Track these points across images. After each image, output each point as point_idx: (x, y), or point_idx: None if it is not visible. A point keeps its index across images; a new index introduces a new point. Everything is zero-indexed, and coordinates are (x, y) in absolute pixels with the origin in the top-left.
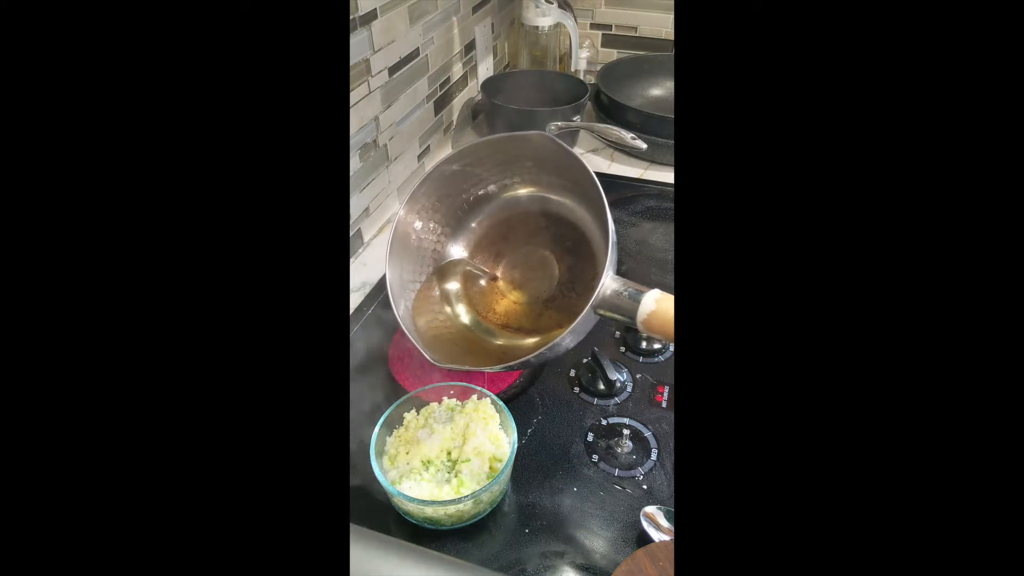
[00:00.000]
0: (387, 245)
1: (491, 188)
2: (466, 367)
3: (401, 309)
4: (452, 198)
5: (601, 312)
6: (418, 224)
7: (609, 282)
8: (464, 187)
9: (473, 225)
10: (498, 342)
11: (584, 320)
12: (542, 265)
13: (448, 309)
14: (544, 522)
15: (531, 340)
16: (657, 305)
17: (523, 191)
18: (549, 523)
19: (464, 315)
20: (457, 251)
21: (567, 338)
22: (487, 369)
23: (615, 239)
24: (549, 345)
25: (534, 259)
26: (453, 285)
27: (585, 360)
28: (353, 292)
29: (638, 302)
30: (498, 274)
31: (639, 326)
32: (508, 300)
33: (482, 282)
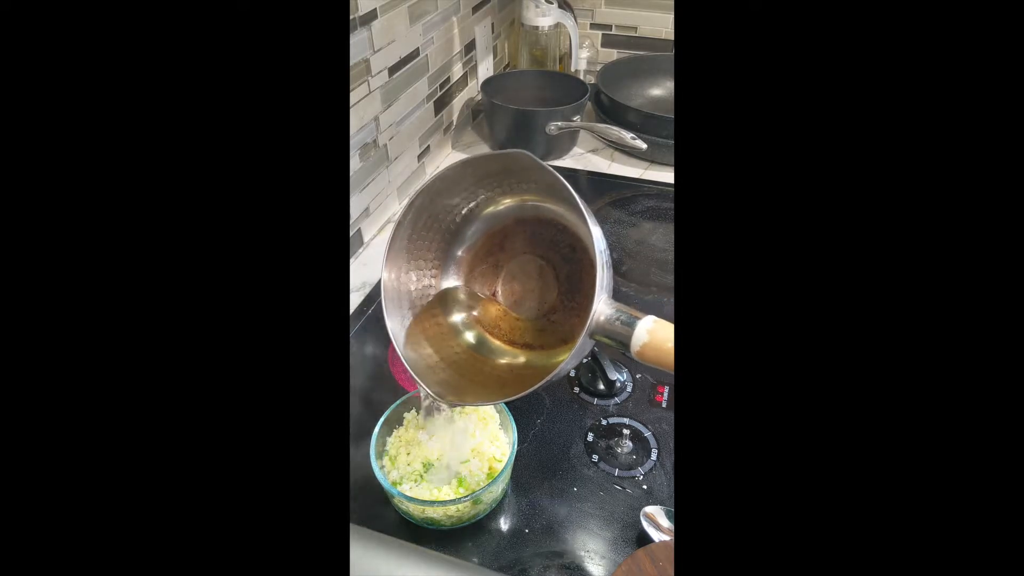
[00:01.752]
0: (383, 303)
1: (472, 207)
2: (479, 403)
3: (412, 357)
4: (433, 232)
5: (598, 338)
6: (409, 276)
7: (602, 307)
8: (443, 216)
9: (460, 253)
10: (503, 361)
11: (582, 346)
12: (540, 275)
13: (452, 332)
14: (544, 522)
15: (535, 355)
16: (650, 336)
17: (508, 201)
18: (549, 523)
19: (471, 337)
20: (454, 281)
21: (569, 363)
22: (495, 402)
23: (604, 260)
24: (552, 375)
25: (531, 268)
26: (457, 313)
27: (585, 360)
28: (353, 292)
29: (632, 328)
30: (498, 288)
31: (633, 353)
32: (512, 317)
33: (483, 298)
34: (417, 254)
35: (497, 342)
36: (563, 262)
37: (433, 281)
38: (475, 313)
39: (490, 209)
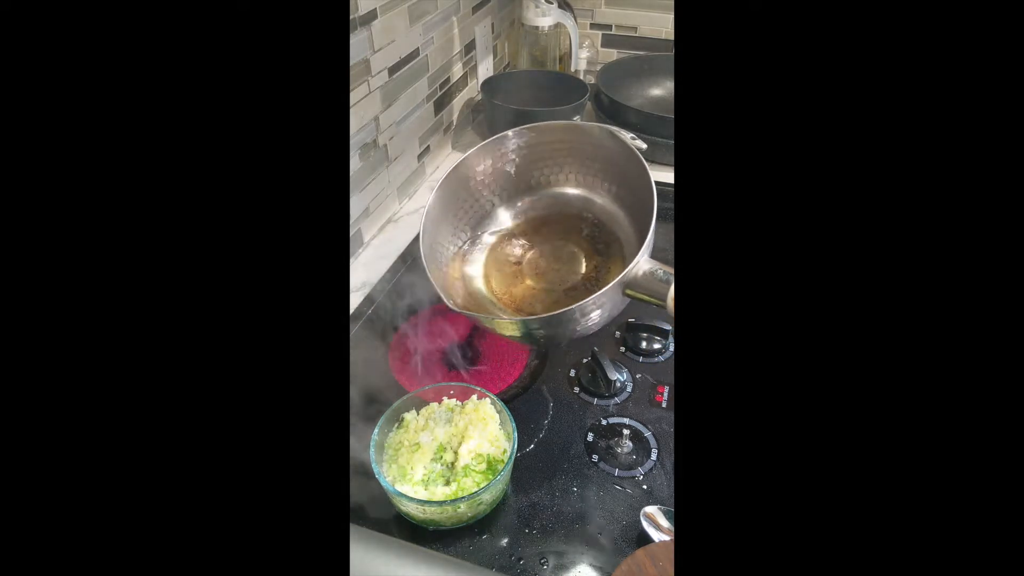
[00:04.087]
0: (446, 170)
1: (546, 175)
2: (479, 315)
3: (426, 245)
4: (512, 169)
5: (630, 292)
6: (480, 175)
7: (643, 263)
8: (523, 164)
9: (519, 204)
10: (504, 318)
11: (611, 296)
12: (570, 260)
13: (470, 278)
14: (544, 522)
15: None
16: None
17: (572, 190)
18: (549, 523)
19: (483, 289)
20: (503, 217)
21: (590, 309)
22: (500, 319)
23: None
24: (563, 310)
25: (563, 253)
26: (479, 261)
27: (585, 360)
28: (353, 292)
29: (669, 284)
30: (527, 256)
31: (668, 306)
32: (526, 284)
33: (509, 258)
34: (495, 174)
35: (507, 307)
36: (595, 254)
37: (495, 200)
38: (496, 275)
39: (556, 189)
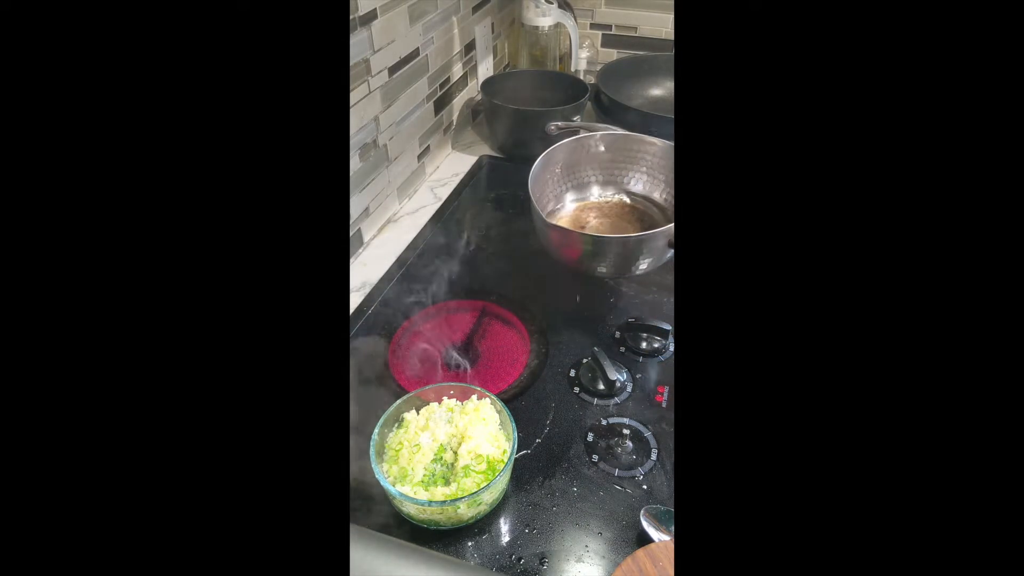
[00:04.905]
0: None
1: (623, 172)
2: (570, 228)
3: (538, 167)
4: (605, 159)
5: None
6: (599, 150)
7: None
8: (611, 159)
9: (603, 187)
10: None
11: (661, 241)
12: (623, 231)
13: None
14: (544, 522)
15: None
16: None
17: (637, 188)
18: (549, 523)
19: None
20: (593, 191)
21: (645, 243)
22: (583, 233)
23: None
24: (627, 235)
25: (619, 227)
26: (556, 217)
27: (585, 360)
28: (353, 292)
29: None
30: (588, 224)
31: None
32: (590, 227)
33: (578, 221)
34: (600, 154)
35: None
36: (644, 227)
37: (593, 177)
38: (572, 221)
39: (627, 186)
